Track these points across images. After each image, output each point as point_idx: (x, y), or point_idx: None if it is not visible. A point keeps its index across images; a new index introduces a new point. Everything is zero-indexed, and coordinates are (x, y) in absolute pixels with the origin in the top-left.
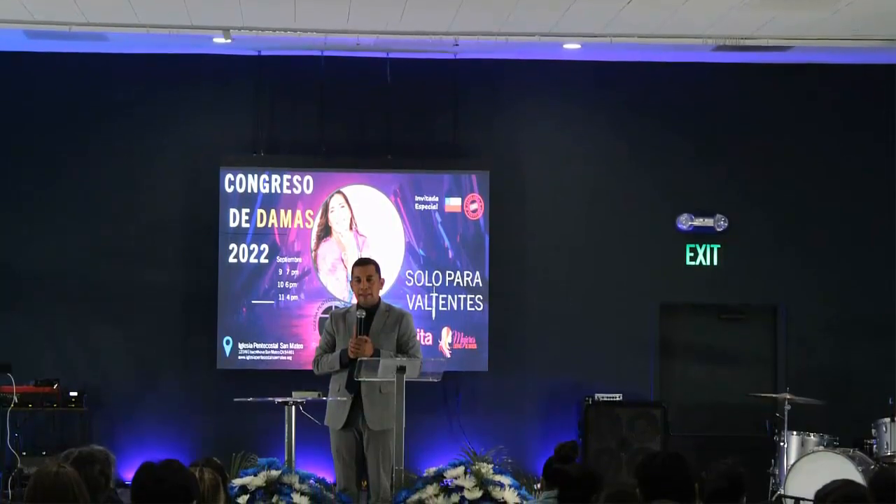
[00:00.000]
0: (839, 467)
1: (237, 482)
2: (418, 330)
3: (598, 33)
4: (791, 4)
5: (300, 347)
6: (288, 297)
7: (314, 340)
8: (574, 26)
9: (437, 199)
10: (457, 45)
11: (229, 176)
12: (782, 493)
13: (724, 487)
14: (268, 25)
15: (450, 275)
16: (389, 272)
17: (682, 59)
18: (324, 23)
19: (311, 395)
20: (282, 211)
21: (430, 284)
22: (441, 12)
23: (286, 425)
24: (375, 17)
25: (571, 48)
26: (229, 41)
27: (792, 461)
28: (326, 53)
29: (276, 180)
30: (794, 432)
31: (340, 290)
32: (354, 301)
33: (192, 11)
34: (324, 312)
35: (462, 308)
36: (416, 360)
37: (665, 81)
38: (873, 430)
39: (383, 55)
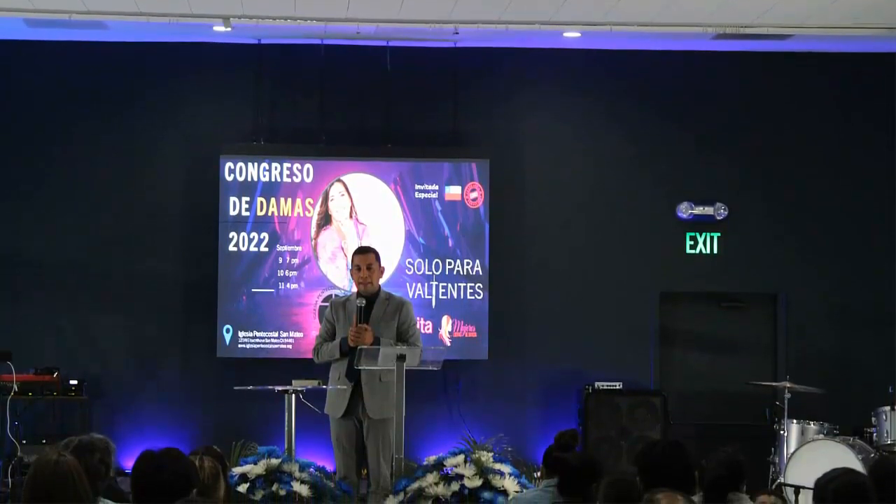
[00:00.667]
0: (839, 456)
1: (237, 470)
2: (418, 318)
3: (598, 21)
4: None
5: (300, 336)
6: (288, 285)
7: (314, 329)
8: (574, 14)
9: (437, 187)
10: (457, 33)
11: (229, 164)
12: (782, 481)
13: (724, 475)
14: (268, 14)
15: (450, 263)
16: (389, 260)
17: (682, 47)
18: (324, 11)
19: (311, 384)
20: (282, 199)
21: (430, 273)
22: (441, 0)
23: (286, 414)
24: (375, 6)
25: (571, 36)
26: (229, 29)
27: (792, 449)
28: (326, 42)
29: (276, 168)
30: (794, 420)
31: (340, 279)
32: (354, 289)
33: (192, 0)
34: (324, 301)
35: (462, 296)
36: (416, 349)
37: (665, 69)
38: (873, 419)
39: (383, 43)
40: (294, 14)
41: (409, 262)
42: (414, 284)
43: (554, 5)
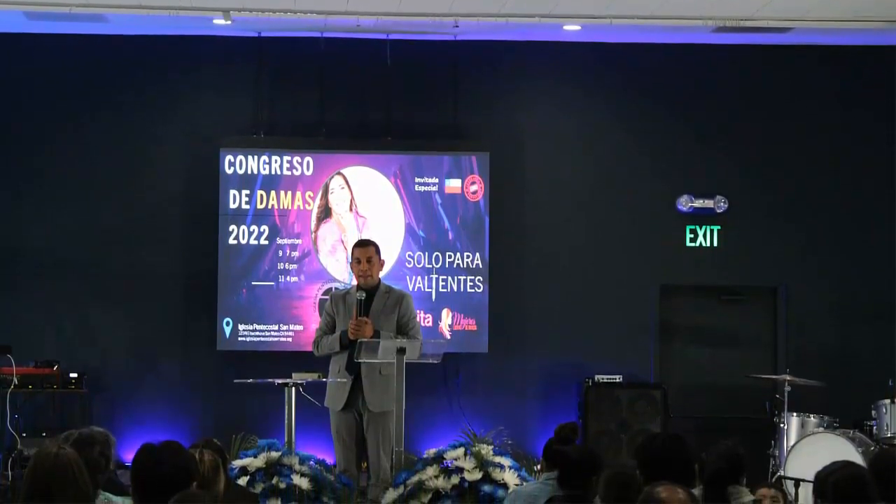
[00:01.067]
0: (839, 448)
1: (237, 463)
2: (418, 311)
3: (598, 14)
4: None
5: (300, 329)
6: (288, 278)
7: (314, 322)
8: (574, 7)
9: (437, 180)
10: (457, 26)
11: (229, 157)
12: (782, 474)
13: (724, 468)
14: (268, 7)
15: (450, 256)
16: (389, 253)
17: (682, 40)
18: (324, 4)
19: (311, 377)
20: (282, 192)
21: (430, 266)
22: None
23: (286, 407)
24: None
25: (571, 29)
26: (229, 23)
27: (792, 442)
28: (326, 35)
29: (276, 161)
30: (794, 414)
31: (340, 272)
32: (354, 282)
33: None
34: (324, 294)
35: (462, 289)
36: (416, 342)
37: (665, 63)
38: (873, 412)
39: (383, 36)
40: (294, 7)
41: (409, 255)
42: (414, 277)
43: None
